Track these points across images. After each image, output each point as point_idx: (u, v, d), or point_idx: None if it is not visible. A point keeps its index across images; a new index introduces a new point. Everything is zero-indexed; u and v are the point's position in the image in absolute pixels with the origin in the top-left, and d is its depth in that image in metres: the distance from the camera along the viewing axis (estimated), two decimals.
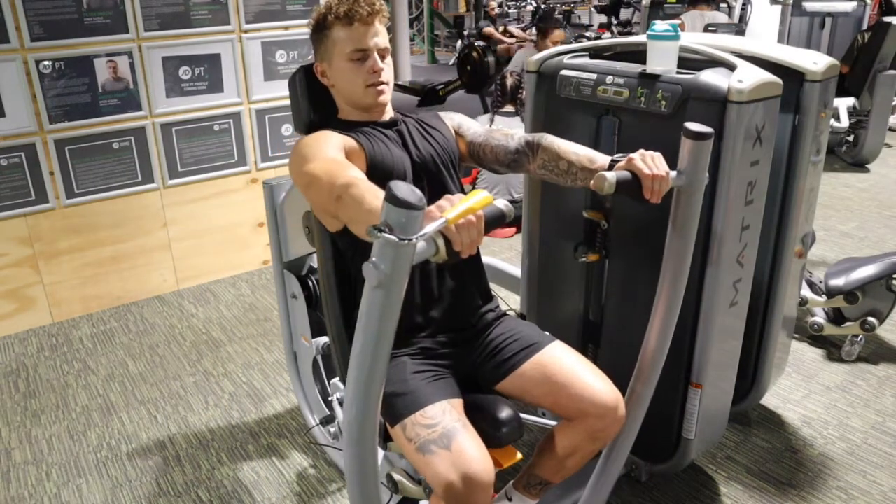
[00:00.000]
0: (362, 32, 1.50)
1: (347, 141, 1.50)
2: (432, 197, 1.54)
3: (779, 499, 2.07)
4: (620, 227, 1.91)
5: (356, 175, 1.28)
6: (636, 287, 1.91)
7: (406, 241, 0.93)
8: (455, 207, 1.02)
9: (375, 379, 1.06)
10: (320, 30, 1.54)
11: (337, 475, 2.19)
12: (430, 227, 0.98)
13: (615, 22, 7.81)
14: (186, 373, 2.81)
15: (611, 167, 1.41)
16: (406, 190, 0.92)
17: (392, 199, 0.92)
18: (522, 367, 1.54)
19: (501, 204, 1.11)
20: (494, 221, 1.09)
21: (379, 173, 1.47)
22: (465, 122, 1.69)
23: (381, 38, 1.52)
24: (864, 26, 5.99)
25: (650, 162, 1.33)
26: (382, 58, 1.53)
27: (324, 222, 1.55)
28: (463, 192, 1.64)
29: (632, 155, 1.35)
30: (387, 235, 0.92)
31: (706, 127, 1.33)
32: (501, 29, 9.28)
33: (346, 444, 1.15)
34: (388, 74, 1.54)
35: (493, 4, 10.24)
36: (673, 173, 1.36)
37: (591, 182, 1.36)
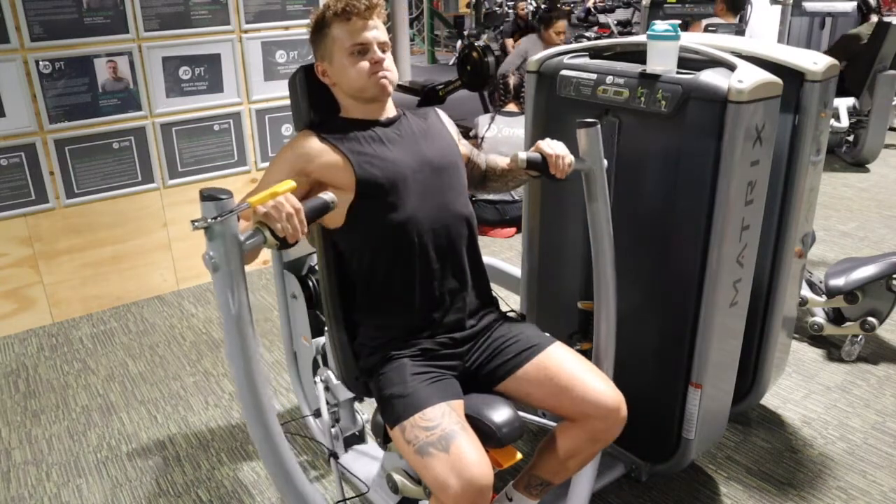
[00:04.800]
0: (360, 27, 1.51)
1: (324, 152, 1.51)
2: (437, 192, 1.55)
3: (779, 499, 2.07)
4: None
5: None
6: (635, 291, 1.91)
7: (214, 220, 1.09)
8: (261, 193, 1.16)
9: (252, 358, 1.18)
10: (319, 29, 1.55)
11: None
12: (235, 207, 1.11)
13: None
14: (186, 373, 2.81)
15: None
16: (214, 189, 1.10)
17: (205, 198, 1.09)
18: (523, 369, 1.54)
19: (326, 196, 1.26)
20: (317, 211, 1.24)
21: (369, 179, 1.49)
22: (461, 136, 1.75)
23: (379, 32, 1.53)
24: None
25: (554, 145, 1.55)
26: (382, 51, 1.54)
27: None
28: (466, 192, 1.65)
29: (538, 141, 1.57)
30: (202, 222, 1.09)
31: (593, 119, 1.57)
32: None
33: (254, 436, 1.25)
34: (389, 65, 1.55)
35: (523, 5, 8.99)
36: (576, 159, 1.58)
37: (509, 160, 1.60)
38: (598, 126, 1.57)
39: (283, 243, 1.18)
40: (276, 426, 1.25)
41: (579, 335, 2.03)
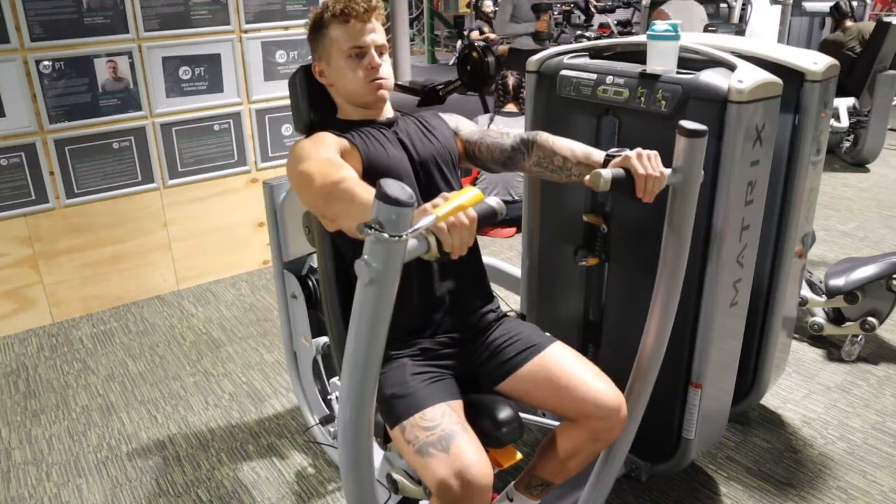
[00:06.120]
0: (359, 29, 1.50)
1: (343, 143, 1.51)
2: (430, 197, 1.54)
3: (779, 499, 2.07)
4: (620, 230, 1.92)
5: (347, 174, 1.30)
6: (636, 287, 1.91)
7: (396, 238, 0.93)
8: (446, 204, 1.03)
9: (370, 376, 1.07)
10: (317, 29, 1.55)
11: (336, 475, 2.19)
12: (420, 224, 0.99)
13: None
14: (186, 373, 2.81)
15: (606, 162, 1.43)
16: (396, 188, 0.93)
17: (382, 196, 0.92)
18: (523, 369, 1.54)
19: (493, 202, 1.11)
20: (486, 220, 1.09)
21: (375, 174, 1.47)
22: (461, 122, 1.71)
23: (378, 35, 1.53)
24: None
25: (646, 162, 1.34)
26: (380, 54, 1.54)
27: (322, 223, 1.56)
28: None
29: (628, 153, 1.36)
30: (377, 233, 0.92)
31: (700, 125, 1.34)
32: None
33: (342, 443, 1.15)
34: (386, 70, 1.55)
35: (488, 4, 10.28)
36: (668, 171, 1.36)
37: (586, 178, 1.37)
38: (706, 136, 1.33)
39: (445, 256, 1.04)
40: (369, 450, 1.17)
41: (584, 250, 1.99)
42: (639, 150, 1.36)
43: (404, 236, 0.94)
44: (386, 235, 0.92)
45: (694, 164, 1.35)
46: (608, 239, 1.94)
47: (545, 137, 1.55)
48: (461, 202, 1.03)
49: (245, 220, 3.62)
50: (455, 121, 1.70)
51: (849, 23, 5.71)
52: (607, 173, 1.32)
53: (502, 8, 5.94)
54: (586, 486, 1.73)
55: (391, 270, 0.97)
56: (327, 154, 1.41)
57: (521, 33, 5.86)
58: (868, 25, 5.58)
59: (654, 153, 1.35)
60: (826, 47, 5.61)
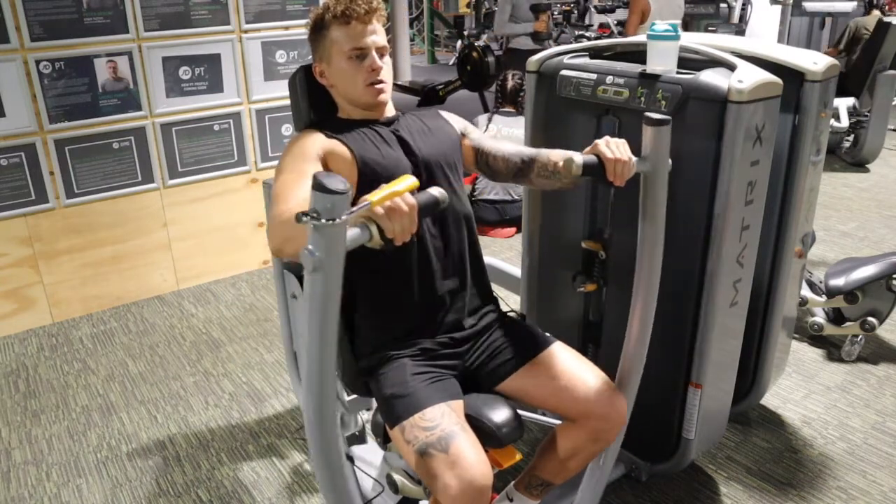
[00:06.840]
0: (360, 31, 1.50)
1: (334, 146, 1.50)
2: None
3: (779, 499, 2.07)
4: (618, 256, 1.92)
5: (293, 206, 1.30)
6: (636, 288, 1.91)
7: (330, 222, 0.98)
8: (380, 191, 1.07)
9: (327, 364, 1.11)
10: (318, 30, 1.55)
11: None
12: (355, 209, 1.03)
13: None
14: (186, 373, 2.81)
15: None
16: (331, 179, 0.98)
17: (318, 186, 0.97)
18: (523, 369, 1.55)
19: (436, 191, 1.15)
20: (428, 208, 1.14)
21: (370, 174, 1.48)
22: (469, 127, 1.71)
23: (378, 37, 1.53)
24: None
25: (614, 147, 1.39)
26: (381, 56, 1.53)
27: None
28: (464, 191, 1.64)
29: (597, 140, 1.42)
30: (314, 220, 0.98)
31: (664, 115, 1.40)
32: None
33: (309, 437, 1.18)
34: (386, 73, 1.55)
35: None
36: (636, 160, 1.43)
37: (560, 164, 1.45)
38: (670, 125, 1.41)
39: (389, 243, 1.08)
40: (338, 441, 1.19)
41: (583, 276, 2.00)
42: (607, 137, 1.42)
43: (338, 220, 0.99)
44: (323, 220, 0.98)
45: (661, 152, 1.42)
46: (606, 265, 1.96)
47: (545, 151, 1.60)
48: (395, 189, 1.08)
49: (245, 220, 3.63)
50: (462, 123, 1.71)
51: (875, 12, 5.80)
52: (579, 158, 1.39)
53: (501, 8, 5.93)
54: (581, 484, 1.73)
55: (333, 256, 1.02)
56: (302, 166, 1.42)
57: (519, 33, 5.85)
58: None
59: (622, 141, 1.41)
60: (854, 24, 5.81)
